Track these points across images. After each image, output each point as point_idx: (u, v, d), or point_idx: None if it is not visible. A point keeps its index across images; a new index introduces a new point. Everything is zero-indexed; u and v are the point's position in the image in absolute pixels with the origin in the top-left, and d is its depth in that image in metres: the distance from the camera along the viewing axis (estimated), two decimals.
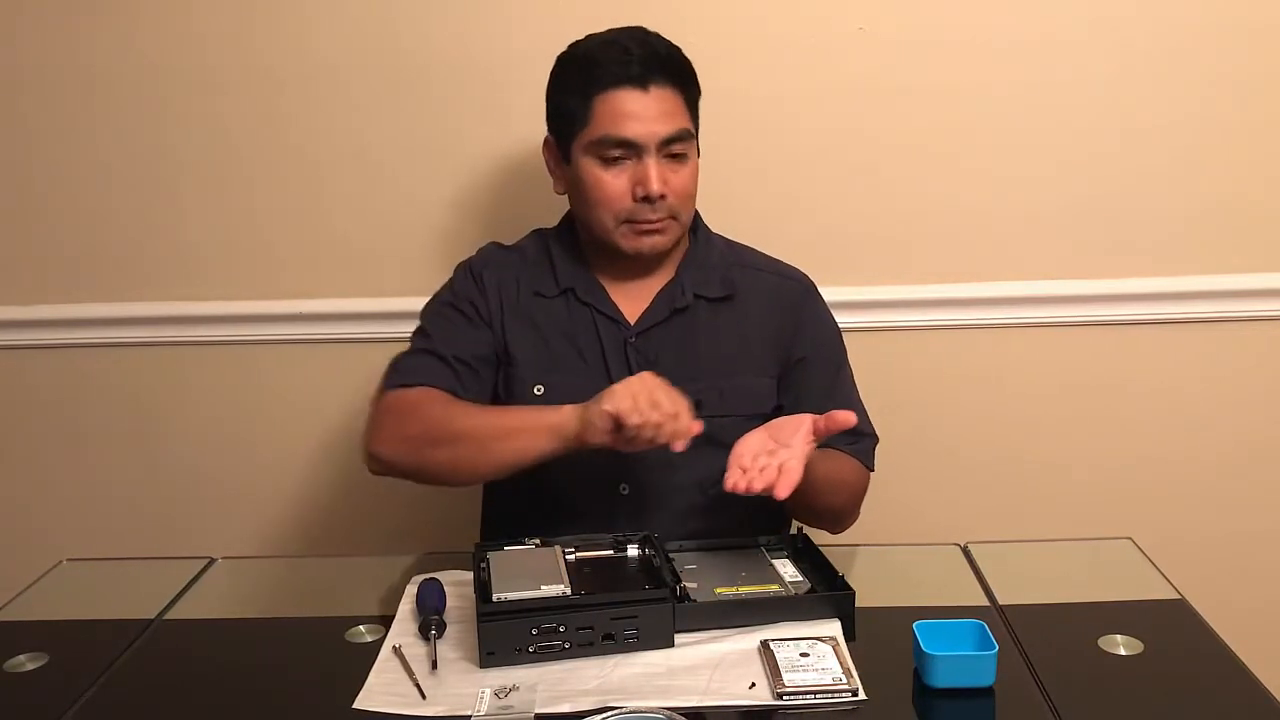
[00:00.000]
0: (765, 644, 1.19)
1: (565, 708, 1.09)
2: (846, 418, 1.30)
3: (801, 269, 1.64)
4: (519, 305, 1.55)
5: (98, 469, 2.06)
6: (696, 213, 1.60)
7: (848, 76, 1.88)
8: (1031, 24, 1.86)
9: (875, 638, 1.22)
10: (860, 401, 1.60)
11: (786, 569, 1.34)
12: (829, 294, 1.64)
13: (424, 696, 1.13)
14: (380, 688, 1.15)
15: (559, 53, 1.55)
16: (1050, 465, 2.01)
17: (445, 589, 1.30)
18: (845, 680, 1.12)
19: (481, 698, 1.11)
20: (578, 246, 1.58)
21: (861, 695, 1.10)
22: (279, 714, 1.17)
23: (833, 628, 1.22)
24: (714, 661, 1.17)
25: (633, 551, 1.34)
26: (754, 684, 1.13)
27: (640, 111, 1.45)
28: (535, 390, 1.50)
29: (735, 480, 1.27)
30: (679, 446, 1.31)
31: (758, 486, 1.26)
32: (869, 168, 1.92)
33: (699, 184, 1.54)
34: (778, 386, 1.55)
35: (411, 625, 1.27)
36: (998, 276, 1.94)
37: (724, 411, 1.43)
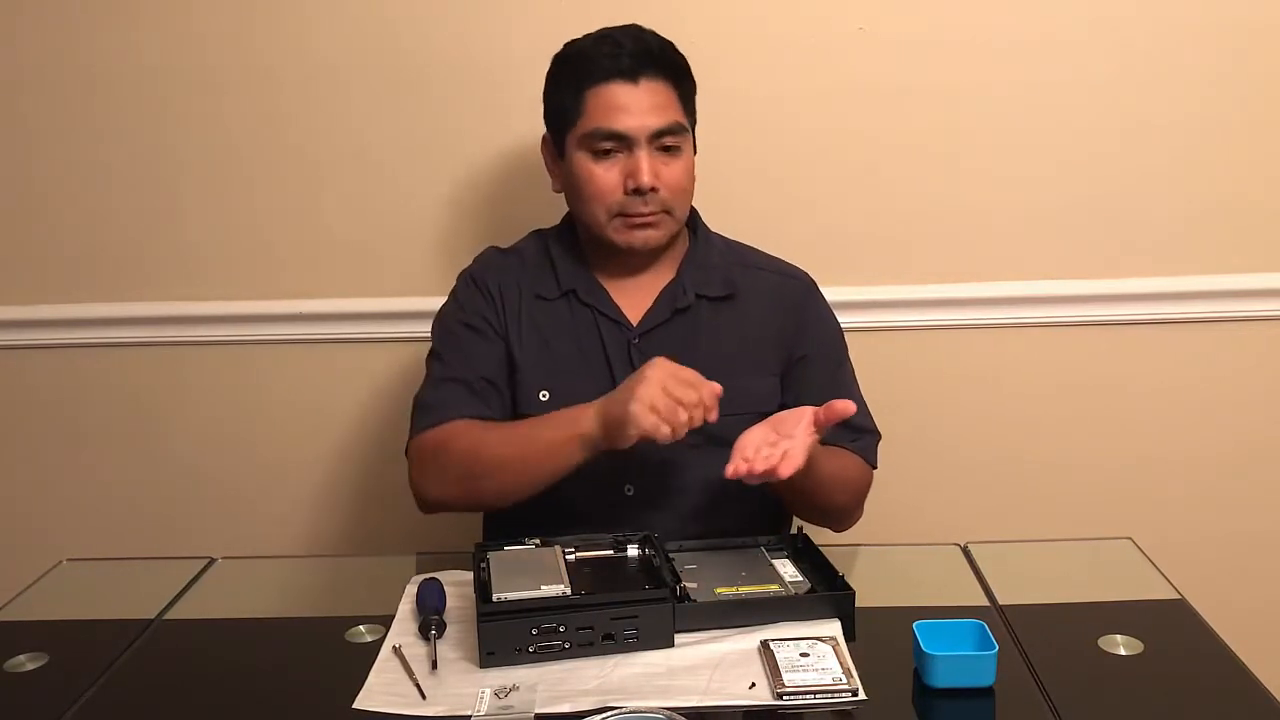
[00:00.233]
0: (765, 644, 1.19)
1: (565, 708, 1.09)
2: (845, 406, 1.31)
3: (802, 268, 1.64)
4: (521, 310, 1.55)
5: (98, 469, 2.06)
6: (697, 213, 1.60)
7: (848, 76, 1.88)
8: (1031, 24, 1.86)
9: (875, 638, 1.22)
10: (862, 398, 1.60)
11: (786, 569, 1.34)
12: (829, 294, 1.64)
13: (424, 696, 1.13)
14: (380, 688, 1.15)
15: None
16: (1050, 465, 2.01)
17: (445, 589, 1.30)
18: (845, 680, 1.12)
19: (481, 698, 1.11)
20: (578, 246, 1.58)
21: (861, 695, 1.10)
22: (279, 714, 1.17)
23: (833, 628, 1.22)
24: (714, 661, 1.17)
25: (633, 551, 1.34)
26: (754, 684, 1.13)
27: (631, 104, 1.46)
28: (540, 396, 1.50)
29: (737, 466, 1.27)
30: (713, 419, 1.34)
31: (760, 468, 1.26)
32: (869, 168, 1.92)
33: (700, 183, 1.54)
34: (780, 385, 1.55)
35: (411, 625, 1.27)
36: (997, 276, 1.94)
37: (727, 411, 1.43)
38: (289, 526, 2.07)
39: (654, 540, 1.34)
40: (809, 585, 1.30)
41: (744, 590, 1.28)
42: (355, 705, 1.12)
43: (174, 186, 1.96)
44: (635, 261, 1.55)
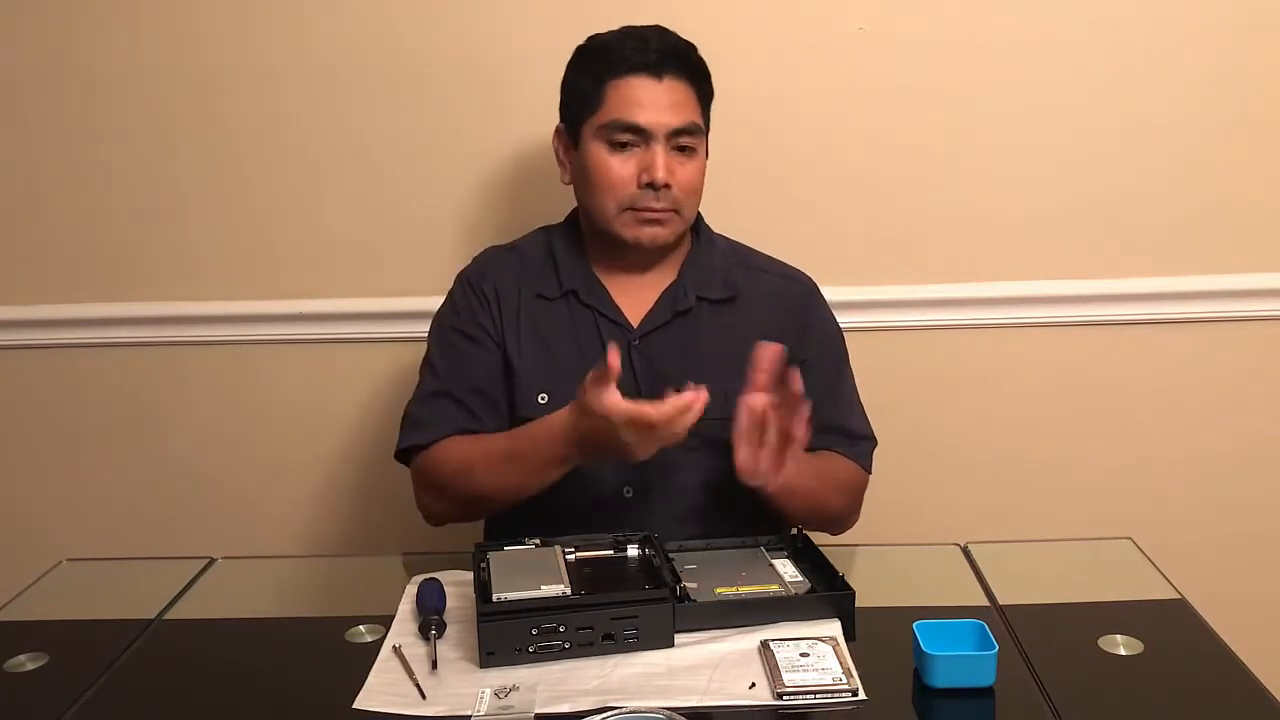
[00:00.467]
0: (765, 644, 1.19)
1: (565, 708, 1.09)
2: (793, 379, 1.32)
3: (802, 269, 1.64)
4: (520, 310, 1.55)
5: (98, 469, 2.06)
6: (700, 214, 1.60)
7: (848, 76, 1.88)
8: (1031, 24, 1.86)
9: (875, 638, 1.22)
10: (860, 404, 1.60)
11: (786, 569, 1.34)
12: (829, 294, 1.64)
13: (424, 696, 1.13)
14: (380, 688, 1.15)
15: (562, 52, 1.55)
16: (1050, 465, 2.01)
17: (445, 589, 1.30)
18: (845, 680, 1.12)
19: (481, 698, 1.11)
20: (581, 244, 1.58)
21: (861, 695, 1.10)
22: (279, 714, 1.17)
23: (833, 628, 1.22)
24: (714, 661, 1.17)
25: (633, 551, 1.34)
26: (754, 684, 1.13)
27: (652, 100, 1.47)
28: (539, 399, 1.50)
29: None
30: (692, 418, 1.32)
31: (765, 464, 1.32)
32: (869, 168, 1.92)
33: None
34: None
35: (411, 625, 1.27)
36: (998, 276, 1.94)
37: (727, 414, 1.43)
38: (289, 526, 2.07)
39: (654, 540, 1.34)
40: (809, 585, 1.30)
41: (744, 590, 1.28)
42: (355, 705, 1.12)
43: (174, 186, 1.96)
44: (638, 259, 1.54)
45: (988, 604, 1.33)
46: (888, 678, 1.15)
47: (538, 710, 1.09)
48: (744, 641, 1.20)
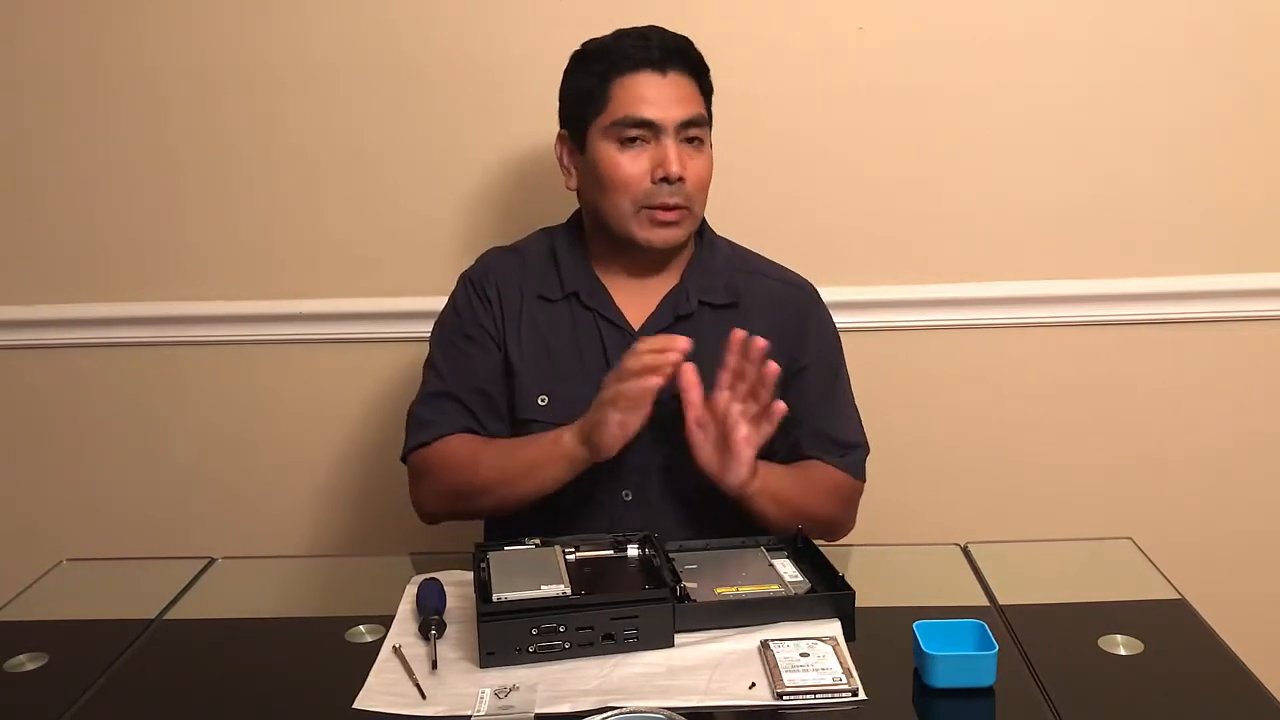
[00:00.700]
0: (765, 644, 1.18)
1: (565, 708, 1.09)
2: (756, 343, 1.35)
3: (802, 269, 1.64)
4: (522, 311, 1.55)
5: (98, 469, 2.06)
6: (703, 217, 1.59)
7: (848, 76, 1.88)
8: (1031, 24, 1.86)
9: (875, 638, 1.22)
10: (855, 412, 1.60)
11: (786, 569, 1.34)
12: (829, 294, 1.64)
13: (424, 696, 1.13)
14: (380, 688, 1.15)
15: (562, 53, 1.55)
16: (1050, 465, 2.01)
17: (445, 589, 1.30)
18: (845, 680, 1.12)
19: (481, 698, 1.11)
20: (584, 247, 1.58)
21: (861, 695, 1.10)
22: (279, 714, 1.17)
23: (833, 628, 1.22)
24: (714, 661, 1.17)
25: (633, 551, 1.34)
26: (754, 684, 1.12)
27: (658, 95, 1.47)
28: (539, 401, 1.50)
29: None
30: (673, 358, 1.35)
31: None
32: (869, 168, 1.92)
33: None
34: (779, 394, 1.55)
35: (411, 625, 1.27)
36: (997, 276, 1.95)
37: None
38: (289, 527, 2.07)
39: (654, 540, 1.34)
40: (809, 585, 1.30)
41: (744, 590, 1.28)
42: (355, 705, 1.12)
43: (174, 186, 1.96)
44: (642, 262, 1.54)
45: (988, 604, 1.33)
46: (888, 678, 1.15)
47: (538, 710, 1.09)
48: (744, 641, 1.20)
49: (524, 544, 1.34)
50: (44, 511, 2.08)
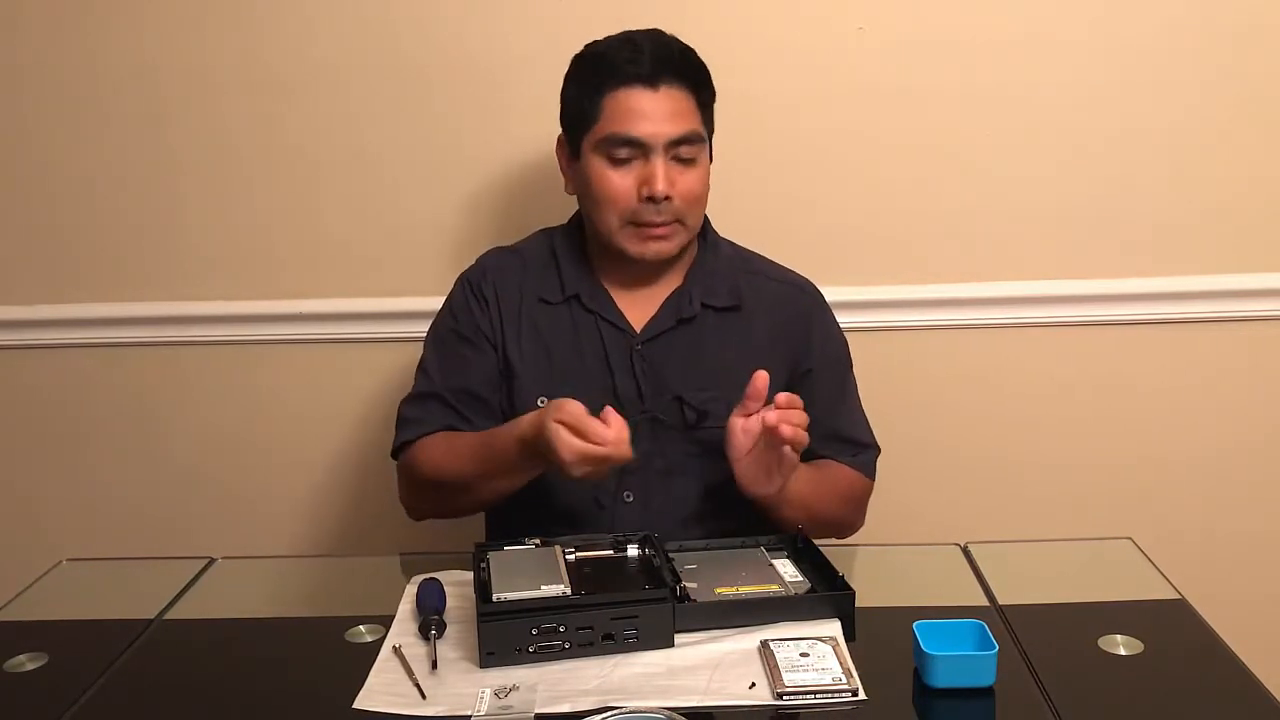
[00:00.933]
0: (765, 644, 1.19)
1: (565, 708, 1.09)
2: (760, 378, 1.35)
3: (802, 269, 1.64)
4: (521, 313, 1.54)
5: (98, 469, 2.06)
6: (707, 218, 1.58)
7: (848, 77, 1.88)
8: (1032, 24, 1.86)
9: (875, 638, 1.22)
10: (863, 413, 1.60)
11: (786, 569, 1.34)
12: (829, 294, 1.64)
13: (424, 696, 1.13)
14: (380, 688, 1.15)
15: (562, 53, 1.54)
16: (1050, 465, 2.01)
17: (445, 589, 1.30)
18: (845, 680, 1.12)
19: (481, 698, 1.11)
20: (584, 248, 1.58)
21: (861, 695, 1.10)
22: (279, 714, 1.17)
23: (833, 628, 1.22)
24: (714, 661, 1.17)
25: (633, 551, 1.34)
26: (754, 684, 1.12)
27: (649, 111, 1.45)
28: (539, 402, 1.49)
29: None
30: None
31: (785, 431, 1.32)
32: (869, 168, 1.92)
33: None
34: None
35: (411, 625, 1.27)
36: (997, 276, 1.94)
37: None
38: (289, 526, 2.07)
39: (654, 540, 1.34)
40: (809, 585, 1.30)
41: (744, 590, 1.28)
42: (355, 705, 1.12)
43: (174, 186, 1.96)
44: (643, 269, 1.53)
45: (988, 604, 1.33)
46: (888, 678, 1.15)
47: (538, 710, 1.09)
48: (744, 641, 1.20)
49: (524, 544, 1.34)
50: (44, 511, 2.08)
